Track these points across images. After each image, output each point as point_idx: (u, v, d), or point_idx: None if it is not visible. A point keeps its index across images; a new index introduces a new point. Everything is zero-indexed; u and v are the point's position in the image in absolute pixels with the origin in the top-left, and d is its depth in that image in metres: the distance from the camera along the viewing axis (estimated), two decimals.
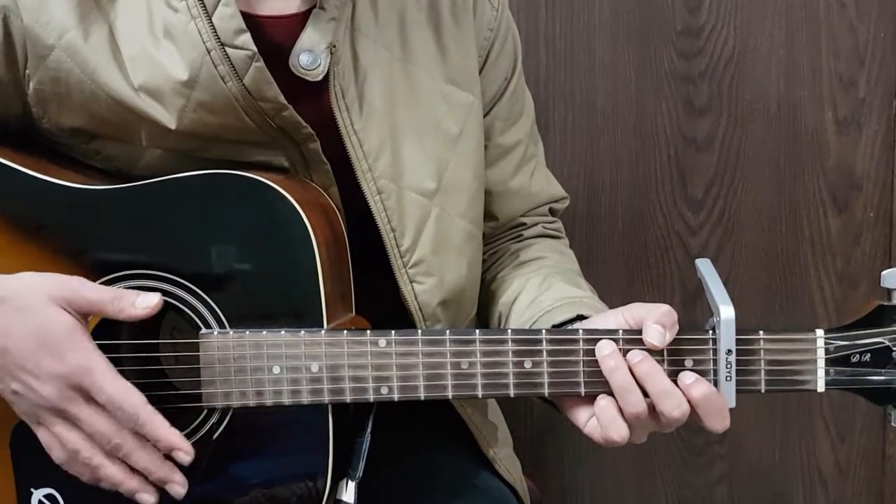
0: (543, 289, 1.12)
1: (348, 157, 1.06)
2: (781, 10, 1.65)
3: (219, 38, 0.98)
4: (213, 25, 0.98)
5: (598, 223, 1.72)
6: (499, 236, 1.26)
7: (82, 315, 0.94)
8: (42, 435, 0.94)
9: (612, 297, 1.65)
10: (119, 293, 0.96)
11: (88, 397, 0.92)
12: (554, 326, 1.04)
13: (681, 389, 0.93)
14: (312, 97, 1.05)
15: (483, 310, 1.21)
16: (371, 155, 1.07)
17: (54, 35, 1.00)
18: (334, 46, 1.04)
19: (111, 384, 0.92)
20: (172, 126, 1.00)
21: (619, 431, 0.94)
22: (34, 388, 0.92)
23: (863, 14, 1.65)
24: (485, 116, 1.19)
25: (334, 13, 1.05)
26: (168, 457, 0.95)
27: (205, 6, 0.99)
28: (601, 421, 0.95)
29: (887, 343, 0.94)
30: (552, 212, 1.29)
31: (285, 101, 1.00)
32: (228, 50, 0.98)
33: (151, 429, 0.93)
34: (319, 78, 1.03)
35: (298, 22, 1.04)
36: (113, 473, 0.94)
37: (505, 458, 1.22)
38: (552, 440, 1.76)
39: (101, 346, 0.94)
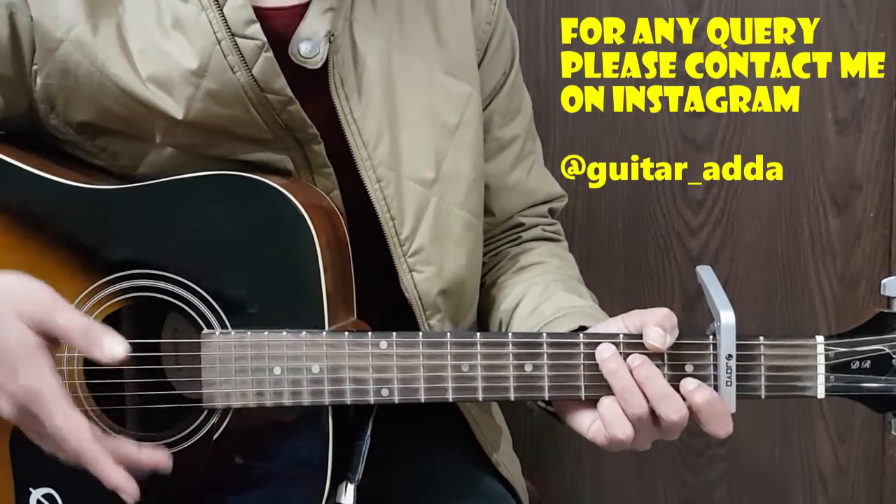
0: (544, 298, 1.11)
1: (349, 147, 1.07)
2: (781, 9, 1.65)
3: (229, 29, 1.00)
4: (224, 16, 1.00)
5: (597, 223, 1.72)
6: (497, 236, 1.26)
7: (47, 337, 0.89)
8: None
9: (612, 298, 1.68)
10: (91, 327, 0.90)
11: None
12: None
13: (683, 396, 0.93)
14: (314, 92, 1.05)
15: (483, 315, 1.22)
16: (370, 143, 1.08)
17: (63, 29, 1.01)
18: (333, 35, 1.05)
19: (59, 414, 0.87)
20: (180, 115, 1.01)
21: (623, 430, 0.93)
22: None
23: (863, 14, 1.65)
24: (483, 110, 1.20)
25: (332, 3, 1.06)
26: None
27: None
28: (605, 420, 0.94)
29: (887, 350, 0.94)
30: (551, 212, 1.29)
31: (291, 95, 1.02)
32: (239, 40, 1.00)
33: (95, 468, 0.88)
34: (318, 65, 1.04)
35: (299, 13, 1.05)
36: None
37: (505, 457, 1.22)
38: (552, 440, 1.76)
39: None
